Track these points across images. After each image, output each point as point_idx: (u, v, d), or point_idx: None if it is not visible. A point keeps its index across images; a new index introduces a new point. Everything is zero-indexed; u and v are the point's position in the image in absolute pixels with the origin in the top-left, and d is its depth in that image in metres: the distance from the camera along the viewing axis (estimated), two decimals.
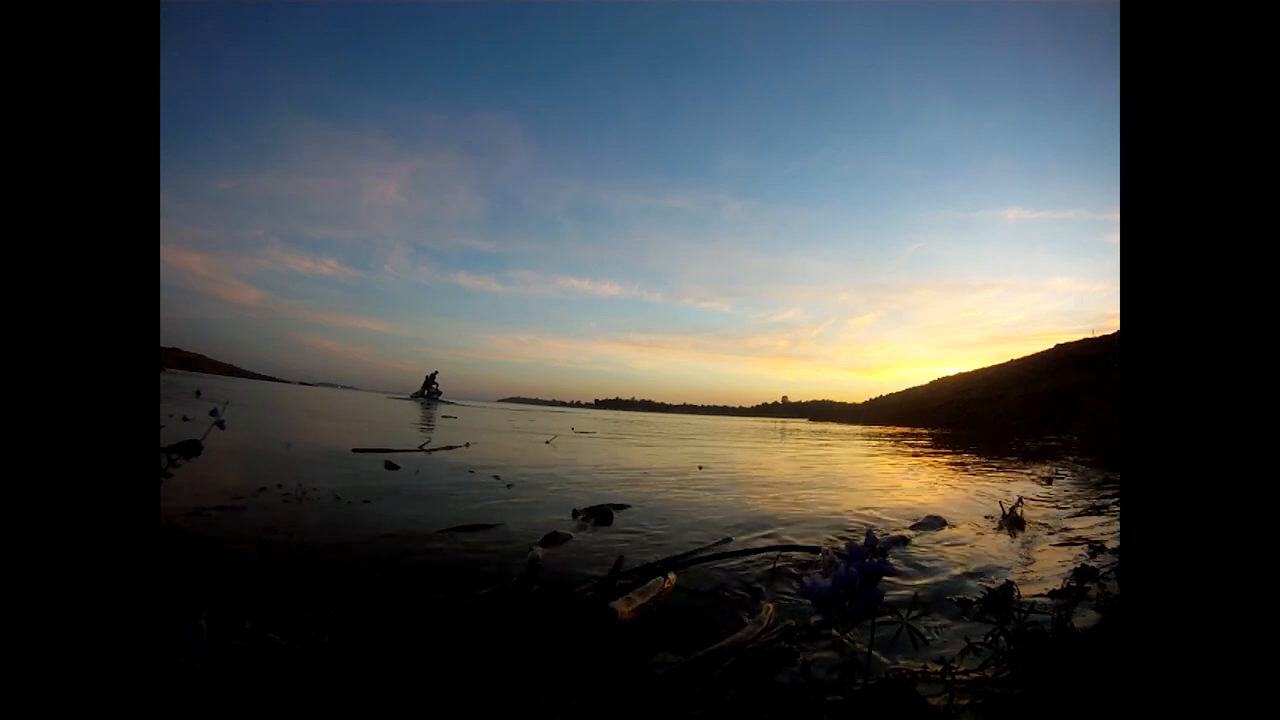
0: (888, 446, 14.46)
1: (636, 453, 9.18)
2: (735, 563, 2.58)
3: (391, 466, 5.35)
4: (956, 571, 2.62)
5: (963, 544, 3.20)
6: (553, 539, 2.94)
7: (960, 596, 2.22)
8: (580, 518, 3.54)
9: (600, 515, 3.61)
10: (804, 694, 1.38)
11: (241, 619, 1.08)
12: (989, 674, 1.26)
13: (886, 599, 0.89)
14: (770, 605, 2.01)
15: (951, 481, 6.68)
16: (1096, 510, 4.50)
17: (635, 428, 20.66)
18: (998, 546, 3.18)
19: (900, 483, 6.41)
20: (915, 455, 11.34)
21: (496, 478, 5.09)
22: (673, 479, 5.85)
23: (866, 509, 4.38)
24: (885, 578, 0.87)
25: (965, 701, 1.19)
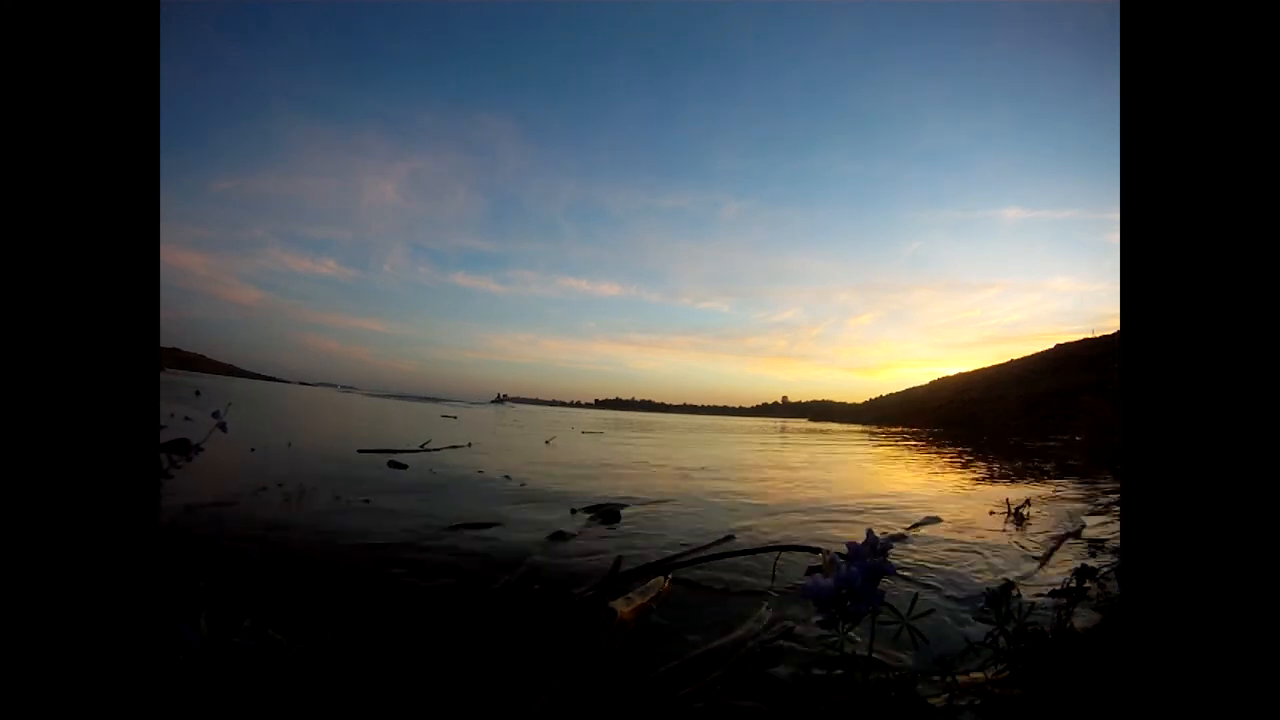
0: (888, 446, 14.45)
1: (640, 452, 9.18)
2: (736, 561, 2.58)
3: (398, 466, 5.35)
4: (957, 571, 2.62)
5: (964, 543, 3.20)
6: (554, 538, 2.94)
7: (960, 596, 2.22)
8: (583, 517, 3.55)
9: (603, 514, 3.61)
10: (804, 693, 1.38)
11: (241, 616, 1.09)
12: (989, 674, 1.26)
13: (886, 599, 0.89)
14: (770, 604, 2.01)
15: (953, 481, 6.68)
16: (1096, 510, 4.50)
17: (637, 427, 20.68)
18: (998, 545, 3.18)
19: (901, 481, 6.41)
20: (915, 454, 11.34)
21: (507, 477, 5.10)
22: (676, 477, 5.85)
23: (865, 504, 4.38)
24: (885, 577, 0.87)
25: (965, 701, 1.19)
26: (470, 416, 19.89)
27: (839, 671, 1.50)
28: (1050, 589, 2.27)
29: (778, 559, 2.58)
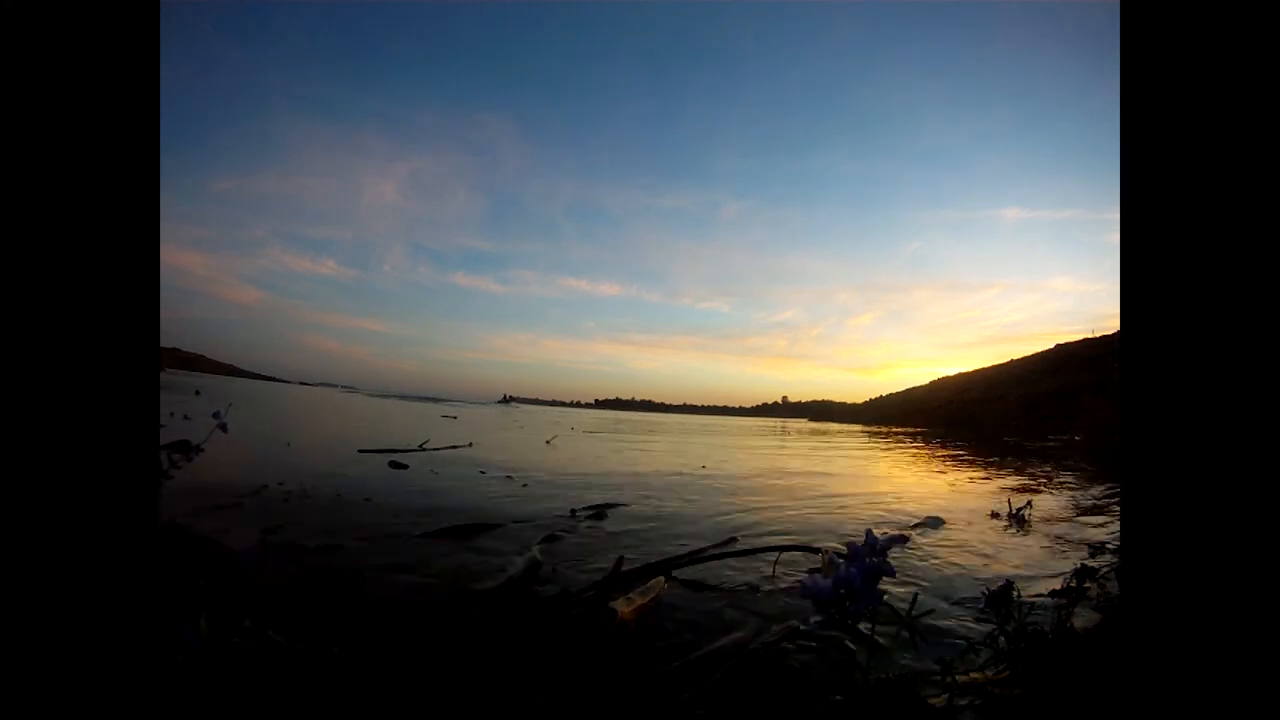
0: (889, 448, 14.45)
1: (640, 453, 9.18)
2: (736, 562, 2.58)
3: (399, 466, 5.36)
4: (957, 571, 2.62)
5: (964, 543, 3.20)
6: (555, 538, 2.94)
7: (960, 596, 2.22)
8: (584, 517, 3.54)
9: (604, 515, 3.61)
10: (804, 694, 1.38)
11: (241, 617, 1.09)
12: (989, 674, 1.26)
13: (886, 599, 0.89)
14: (771, 605, 2.01)
15: (955, 482, 6.68)
16: (1097, 510, 4.49)
17: (638, 427, 20.71)
18: (999, 546, 3.18)
19: (903, 484, 6.41)
20: (916, 456, 11.34)
21: (509, 477, 5.11)
22: (677, 478, 5.85)
23: (868, 503, 4.38)
24: (885, 578, 0.87)
25: (965, 701, 1.19)
26: (472, 417, 19.91)
27: (839, 672, 1.50)
28: (1050, 589, 2.27)
29: (777, 559, 2.58)
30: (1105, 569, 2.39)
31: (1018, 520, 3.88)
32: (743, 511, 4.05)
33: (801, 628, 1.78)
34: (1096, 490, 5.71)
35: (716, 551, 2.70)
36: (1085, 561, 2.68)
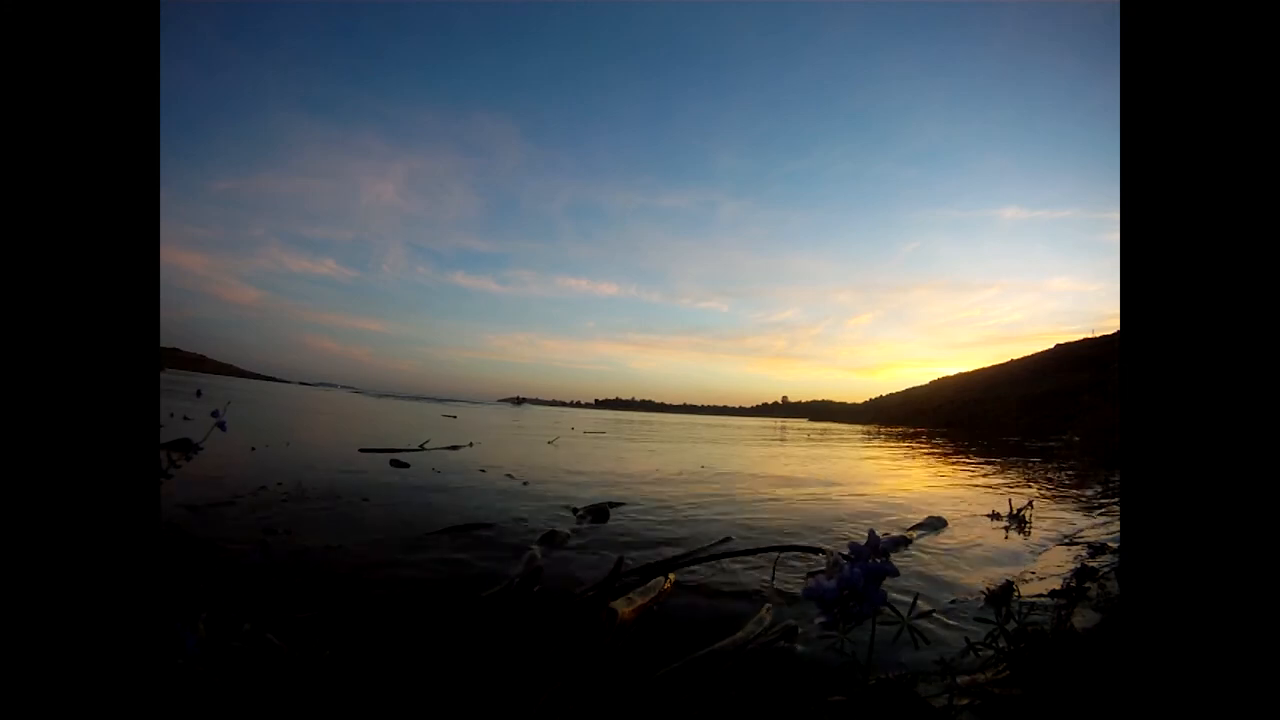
0: (889, 447, 14.44)
1: (641, 453, 9.18)
2: (736, 563, 2.58)
3: (400, 465, 5.36)
4: (957, 572, 2.62)
5: (965, 544, 3.20)
6: (556, 537, 2.93)
7: (961, 596, 2.22)
8: (584, 517, 3.54)
9: (604, 515, 3.61)
10: (805, 693, 1.38)
11: (240, 619, 1.08)
12: (989, 674, 1.26)
13: (888, 600, 0.89)
14: (770, 605, 2.00)
15: (954, 481, 6.68)
16: (1097, 510, 4.49)
17: (638, 427, 20.71)
18: (998, 546, 3.18)
19: (906, 485, 6.41)
20: (917, 457, 11.33)
21: (510, 476, 5.11)
22: (677, 477, 5.85)
23: (867, 502, 4.38)
24: (887, 578, 0.87)
25: (965, 701, 1.19)
26: (473, 417, 19.91)
27: (840, 672, 1.50)
28: (1050, 589, 2.27)
29: (777, 560, 2.58)
30: (1105, 569, 2.39)
31: (1018, 521, 3.88)
32: (741, 511, 4.05)
33: (799, 629, 1.78)
34: (1096, 490, 5.71)
35: (715, 551, 2.70)
36: (1085, 561, 2.68)
